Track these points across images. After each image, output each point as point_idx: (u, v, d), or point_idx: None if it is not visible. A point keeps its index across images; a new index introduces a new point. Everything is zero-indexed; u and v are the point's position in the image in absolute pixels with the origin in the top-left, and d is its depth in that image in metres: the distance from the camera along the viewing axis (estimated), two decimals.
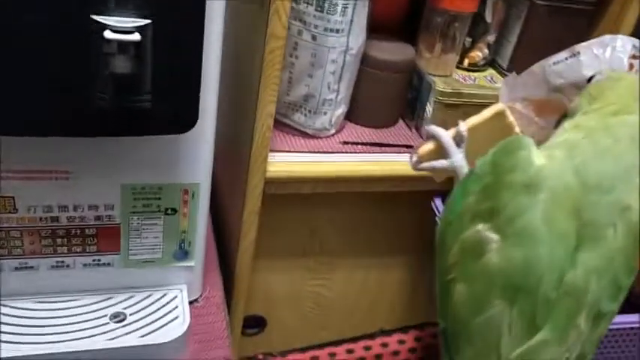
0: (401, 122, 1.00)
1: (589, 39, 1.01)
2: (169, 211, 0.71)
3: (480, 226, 0.49)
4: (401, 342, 0.59)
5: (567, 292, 0.47)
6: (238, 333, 0.98)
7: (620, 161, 0.50)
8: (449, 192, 0.96)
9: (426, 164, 0.69)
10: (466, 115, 1.00)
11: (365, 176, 0.87)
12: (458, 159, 0.65)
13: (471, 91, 0.97)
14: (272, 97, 0.75)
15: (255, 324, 1.04)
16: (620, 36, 0.80)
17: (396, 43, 0.96)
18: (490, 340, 0.48)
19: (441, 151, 0.69)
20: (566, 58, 0.79)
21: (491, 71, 1.05)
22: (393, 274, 1.08)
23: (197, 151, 0.68)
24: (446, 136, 0.67)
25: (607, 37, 0.79)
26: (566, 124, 0.56)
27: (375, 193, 0.93)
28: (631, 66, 0.79)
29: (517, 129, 0.70)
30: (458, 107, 0.97)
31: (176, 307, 0.76)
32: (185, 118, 0.58)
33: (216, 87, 0.63)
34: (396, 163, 0.90)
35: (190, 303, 0.78)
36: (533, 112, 0.88)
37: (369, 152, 0.90)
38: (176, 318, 0.74)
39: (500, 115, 0.68)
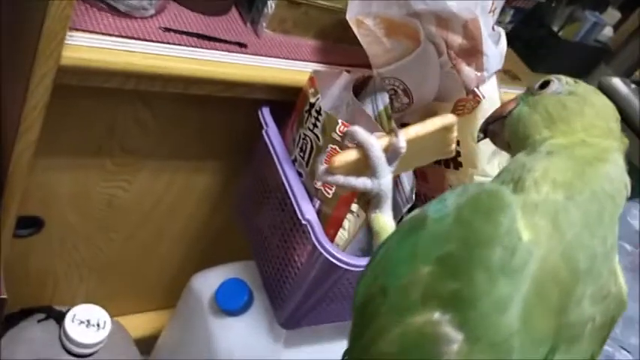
0: (234, 12, 0.85)
1: None
2: None
3: (437, 315, 0.35)
4: None
5: None
6: (9, 236, 0.81)
7: (607, 237, 0.41)
8: (280, 103, 0.87)
9: (340, 178, 0.52)
10: (307, 17, 0.89)
11: (188, 76, 0.73)
12: (386, 181, 0.50)
13: None
14: None
15: (28, 225, 0.87)
16: None
17: None
18: None
19: (361, 163, 0.51)
20: None
21: None
22: (201, 179, 0.97)
23: None
24: (377, 148, 0.50)
25: None
26: (527, 161, 0.43)
27: (194, 95, 0.79)
28: (493, 5, 0.74)
29: (453, 146, 0.57)
30: (300, 6, 0.85)
31: None
32: None
33: None
34: (226, 65, 0.76)
35: None
36: (383, 32, 0.80)
37: (195, 47, 0.75)
38: None
39: (447, 129, 0.53)
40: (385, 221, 0.50)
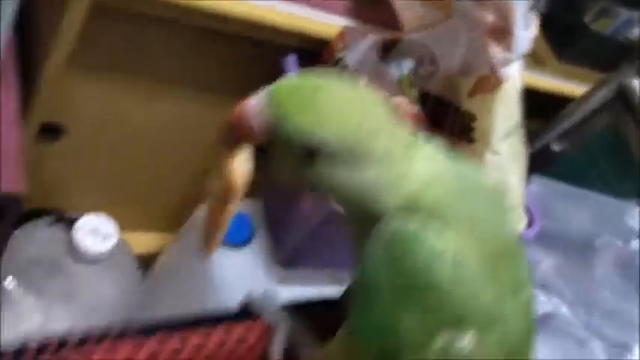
0: None
1: None
2: None
3: (445, 336, 0.41)
4: None
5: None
6: (31, 140, 0.84)
7: (499, 200, 0.47)
8: (306, 53, 0.89)
9: None
10: None
11: (223, 14, 0.75)
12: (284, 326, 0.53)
13: None
14: None
15: (48, 131, 0.90)
16: None
17: None
18: None
19: None
20: None
21: None
22: (222, 114, 0.99)
23: None
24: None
25: None
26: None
27: (225, 32, 0.81)
28: None
29: None
30: None
31: None
32: None
33: None
34: (259, 8, 0.78)
35: None
36: None
37: None
38: None
39: None
40: None
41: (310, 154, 0.39)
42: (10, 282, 0.94)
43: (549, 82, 1.19)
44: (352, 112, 0.40)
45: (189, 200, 1.05)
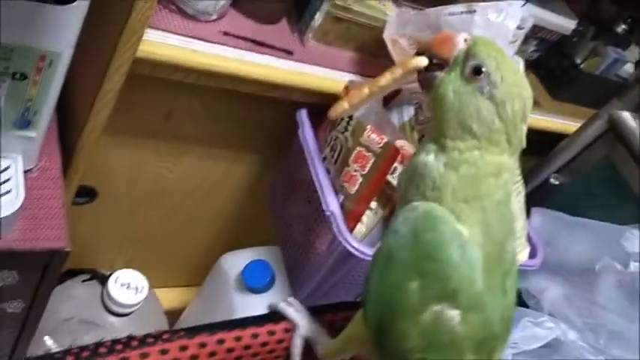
0: (284, 22, 0.95)
1: None
2: (18, 76, 0.62)
3: (437, 307, 0.50)
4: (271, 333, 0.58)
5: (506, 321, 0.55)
6: (69, 203, 0.91)
7: (510, 212, 0.55)
8: (316, 106, 0.97)
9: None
10: (349, 32, 0.99)
11: (240, 76, 0.83)
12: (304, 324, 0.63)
13: (361, 10, 0.94)
14: None
15: (84, 194, 0.98)
16: (515, 2, 0.82)
17: None
18: None
19: None
20: (462, 13, 0.80)
21: None
22: (238, 169, 1.07)
23: (67, 16, 0.58)
24: (302, 333, 0.64)
25: (503, 3, 0.81)
26: (438, 176, 0.52)
27: (242, 93, 0.89)
28: (515, 37, 0.83)
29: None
30: (343, 22, 0.95)
31: (9, 178, 0.68)
32: None
33: None
34: (273, 69, 0.86)
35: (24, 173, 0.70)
36: (414, 52, 0.89)
37: (249, 50, 0.85)
38: (9, 191, 0.67)
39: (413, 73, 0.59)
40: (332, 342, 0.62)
41: (475, 72, 0.52)
42: (47, 340, 1.00)
43: (545, 120, 1.26)
44: (514, 69, 0.54)
45: (211, 253, 1.11)
